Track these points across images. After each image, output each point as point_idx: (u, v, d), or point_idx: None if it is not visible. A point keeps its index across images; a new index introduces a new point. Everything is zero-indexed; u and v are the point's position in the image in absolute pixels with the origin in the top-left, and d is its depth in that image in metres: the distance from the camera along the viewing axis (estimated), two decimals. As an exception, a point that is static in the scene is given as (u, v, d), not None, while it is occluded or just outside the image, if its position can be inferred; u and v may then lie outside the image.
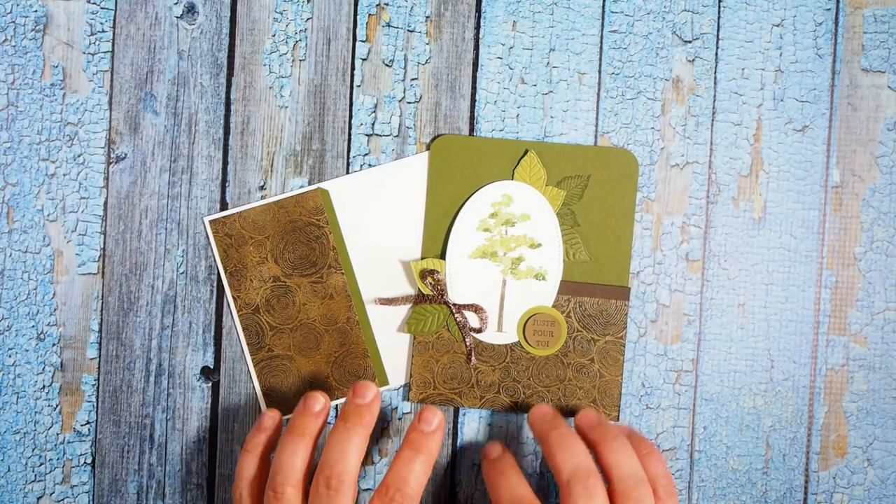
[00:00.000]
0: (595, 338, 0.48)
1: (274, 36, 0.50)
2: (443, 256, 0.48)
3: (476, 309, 0.47)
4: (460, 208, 0.48)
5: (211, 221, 0.49)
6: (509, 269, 0.48)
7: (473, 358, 0.48)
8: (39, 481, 0.50)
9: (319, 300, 0.49)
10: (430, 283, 0.47)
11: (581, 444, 0.43)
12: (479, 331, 0.48)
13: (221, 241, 0.49)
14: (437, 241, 0.48)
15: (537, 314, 0.48)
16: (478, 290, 0.48)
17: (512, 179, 0.48)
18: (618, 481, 0.42)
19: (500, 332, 0.48)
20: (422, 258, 0.48)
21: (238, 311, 0.49)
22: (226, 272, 0.49)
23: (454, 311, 0.47)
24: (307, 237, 0.49)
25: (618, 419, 0.49)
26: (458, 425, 0.50)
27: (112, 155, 0.50)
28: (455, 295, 0.47)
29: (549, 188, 0.47)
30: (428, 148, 0.49)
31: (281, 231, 0.49)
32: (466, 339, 0.48)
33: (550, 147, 0.48)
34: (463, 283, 0.48)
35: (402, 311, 0.49)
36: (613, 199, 0.48)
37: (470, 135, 0.50)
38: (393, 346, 0.49)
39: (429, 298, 0.47)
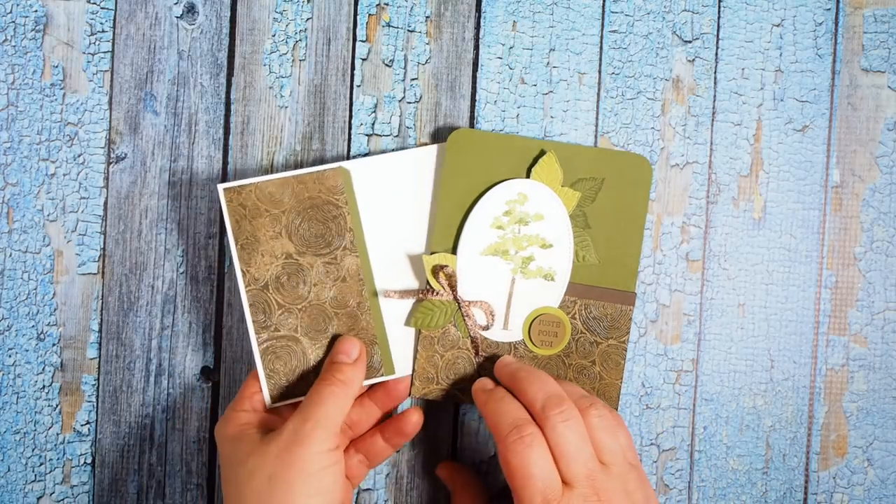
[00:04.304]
0: (598, 340, 0.48)
1: (274, 36, 0.50)
2: (454, 251, 0.48)
3: (484, 306, 0.47)
4: (474, 204, 0.47)
5: (225, 189, 0.46)
6: (519, 267, 0.47)
7: (480, 354, 0.48)
8: (39, 481, 0.50)
9: (331, 282, 0.47)
10: (442, 279, 0.47)
11: (548, 376, 0.44)
12: (485, 328, 0.47)
13: (235, 211, 0.46)
14: (449, 236, 0.48)
15: (543, 314, 0.47)
16: (486, 287, 0.47)
17: (528, 178, 0.47)
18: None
19: (506, 330, 0.48)
20: (432, 252, 0.48)
21: (246, 286, 0.47)
22: (236, 244, 0.46)
23: (462, 306, 0.47)
24: (324, 216, 0.47)
25: None
26: (458, 424, 0.50)
27: (112, 155, 0.50)
28: (464, 291, 0.47)
29: (564, 189, 0.47)
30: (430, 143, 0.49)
31: (298, 207, 0.47)
32: (473, 336, 0.47)
33: (566, 147, 0.47)
34: (472, 279, 0.47)
35: (412, 300, 0.49)
36: (625, 203, 0.47)
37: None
38: (401, 335, 0.48)
39: (439, 293, 0.47)
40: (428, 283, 0.47)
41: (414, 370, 0.48)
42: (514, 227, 0.47)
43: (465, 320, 0.47)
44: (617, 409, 0.48)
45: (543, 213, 0.47)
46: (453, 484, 0.48)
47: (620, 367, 0.48)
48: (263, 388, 0.47)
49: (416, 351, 0.48)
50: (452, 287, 0.47)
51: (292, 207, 0.47)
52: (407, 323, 0.48)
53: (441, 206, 0.47)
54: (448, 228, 0.48)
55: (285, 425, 0.42)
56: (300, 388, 0.47)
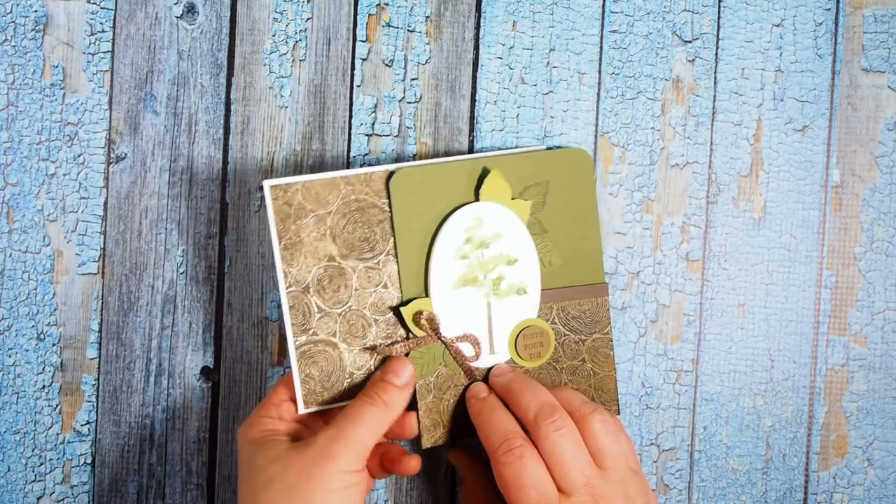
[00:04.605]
0: (582, 338, 0.47)
1: (274, 36, 0.50)
2: (426, 292, 0.46)
3: (469, 338, 0.46)
4: (433, 240, 0.46)
5: (272, 186, 0.44)
6: (491, 291, 0.46)
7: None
8: (39, 481, 0.50)
9: (373, 287, 0.46)
10: (425, 325, 0.45)
11: (542, 386, 0.44)
12: (474, 358, 0.47)
13: (280, 210, 0.44)
14: (418, 279, 0.46)
15: (525, 328, 0.47)
16: (464, 318, 0.46)
17: (477, 200, 0.46)
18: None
19: (493, 355, 0.47)
20: (405, 300, 0.46)
21: (287, 288, 0.45)
22: (280, 243, 0.45)
23: (449, 345, 0.46)
24: (369, 219, 0.45)
25: (618, 412, 0.48)
26: (458, 425, 0.50)
27: (112, 155, 0.50)
28: (445, 328, 0.46)
29: (515, 201, 0.46)
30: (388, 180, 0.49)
31: (344, 208, 0.45)
32: (466, 370, 0.47)
33: (507, 159, 0.46)
34: (450, 314, 0.46)
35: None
36: (574, 199, 0.47)
37: (470, 135, 0.50)
38: None
39: (425, 340, 0.46)
40: (409, 332, 0.46)
41: (419, 422, 0.46)
42: (477, 253, 0.46)
43: (455, 358, 0.46)
44: (618, 400, 0.48)
45: (501, 230, 0.46)
46: (464, 470, 0.48)
47: (610, 358, 0.48)
48: (297, 394, 0.45)
49: (415, 403, 0.46)
50: (435, 330, 0.45)
51: (338, 209, 0.45)
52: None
53: (402, 251, 0.46)
54: (415, 271, 0.46)
55: (316, 437, 0.42)
56: (332, 397, 0.46)
